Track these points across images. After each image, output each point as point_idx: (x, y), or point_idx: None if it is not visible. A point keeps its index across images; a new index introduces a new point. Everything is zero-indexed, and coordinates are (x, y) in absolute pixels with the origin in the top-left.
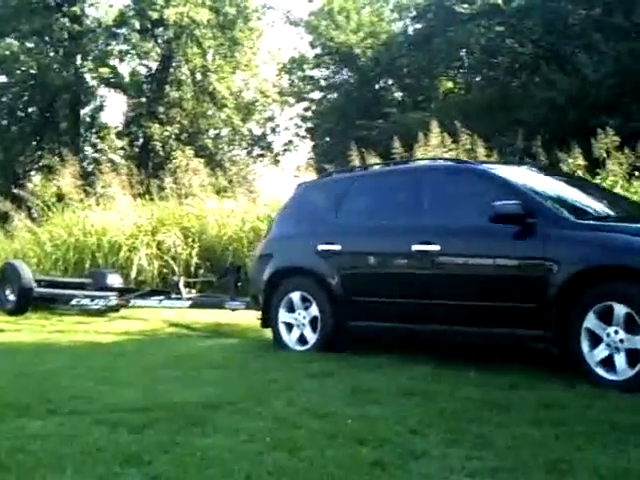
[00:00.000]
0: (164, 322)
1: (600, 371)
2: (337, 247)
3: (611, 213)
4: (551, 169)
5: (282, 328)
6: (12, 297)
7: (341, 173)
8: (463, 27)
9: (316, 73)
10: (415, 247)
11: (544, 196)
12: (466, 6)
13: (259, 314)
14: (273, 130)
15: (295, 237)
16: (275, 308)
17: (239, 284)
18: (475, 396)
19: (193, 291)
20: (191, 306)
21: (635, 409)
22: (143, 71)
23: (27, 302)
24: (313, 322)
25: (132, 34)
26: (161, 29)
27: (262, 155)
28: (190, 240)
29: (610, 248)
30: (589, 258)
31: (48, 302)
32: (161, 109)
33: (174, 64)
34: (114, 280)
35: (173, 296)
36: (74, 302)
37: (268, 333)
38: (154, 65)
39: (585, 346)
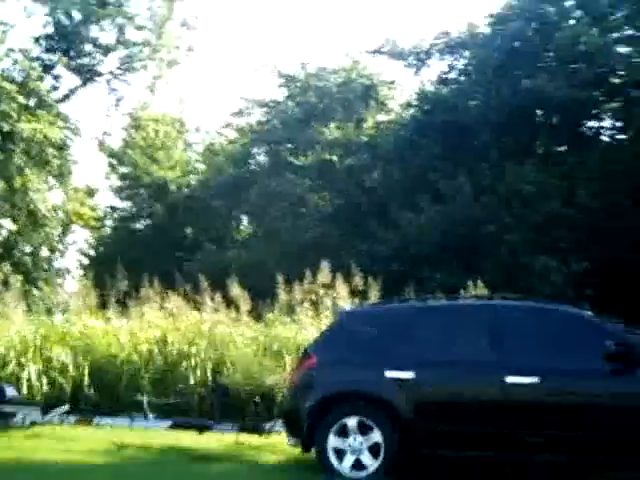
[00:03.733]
0: (109, 443)
1: None
2: (409, 375)
3: None
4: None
5: (332, 454)
6: None
7: (397, 303)
8: (285, 178)
9: (117, 203)
10: (510, 379)
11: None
12: (303, 158)
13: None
14: (60, 252)
15: (350, 363)
16: (324, 433)
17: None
18: None
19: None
20: (172, 426)
21: None
22: None
23: None
24: (373, 448)
25: None
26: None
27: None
28: (80, 358)
29: None
30: None
31: None
32: None
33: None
34: (12, 394)
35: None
36: (18, 418)
37: (264, 457)
38: None
39: None
